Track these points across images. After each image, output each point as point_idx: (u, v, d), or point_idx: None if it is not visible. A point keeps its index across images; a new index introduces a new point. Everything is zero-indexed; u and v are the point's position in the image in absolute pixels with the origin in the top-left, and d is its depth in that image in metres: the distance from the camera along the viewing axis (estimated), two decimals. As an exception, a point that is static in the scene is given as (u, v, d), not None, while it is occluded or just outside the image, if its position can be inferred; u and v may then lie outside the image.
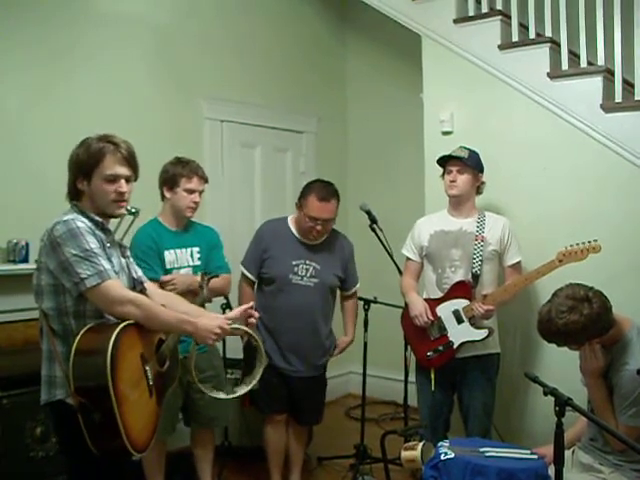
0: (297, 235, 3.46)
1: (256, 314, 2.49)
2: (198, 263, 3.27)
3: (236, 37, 4.66)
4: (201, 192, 3.25)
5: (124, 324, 2.11)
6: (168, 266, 3.18)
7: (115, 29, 3.94)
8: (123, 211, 2.32)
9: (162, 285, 3.07)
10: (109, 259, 2.22)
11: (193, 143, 4.29)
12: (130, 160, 2.27)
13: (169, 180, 3.21)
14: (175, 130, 4.23)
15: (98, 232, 2.23)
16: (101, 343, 2.01)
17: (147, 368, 2.22)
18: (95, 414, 1.98)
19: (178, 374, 2.53)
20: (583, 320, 2.44)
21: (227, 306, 3.47)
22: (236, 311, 2.46)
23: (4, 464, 3.07)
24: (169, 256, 3.20)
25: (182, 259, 3.24)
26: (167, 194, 3.23)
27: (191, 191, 3.19)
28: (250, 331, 2.46)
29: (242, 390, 2.59)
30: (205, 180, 3.28)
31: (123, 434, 1.99)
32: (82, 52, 3.78)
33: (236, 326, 2.37)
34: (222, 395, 2.69)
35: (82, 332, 2.07)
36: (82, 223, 2.17)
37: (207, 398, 3.19)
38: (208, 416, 3.33)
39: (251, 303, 2.56)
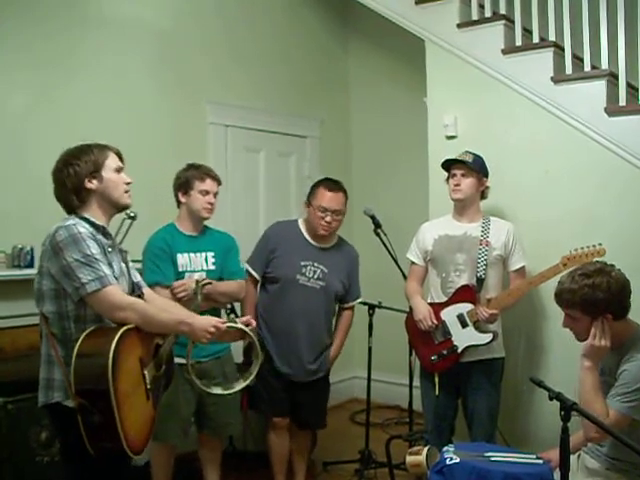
0: (307, 237, 3.47)
1: (254, 322, 2.52)
2: (213, 268, 3.27)
3: (240, 42, 4.67)
4: (215, 194, 3.26)
5: (125, 328, 2.13)
6: (180, 269, 3.19)
7: (118, 33, 3.94)
8: (132, 201, 2.37)
9: (173, 291, 3.08)
10: (110, 264, 2.24)
11: (197, 148, 4.30)
12: (120, 154, 2.38)
13: (183, 185, 3.24)
14: (179, 135, 4.24)
15: (99, 237, 2.24)
16: (103, 346, 2.03)
17: (145, 372, 2.24)
18: (95, 416, 2.00)
19: (173, 378, 2.53)
20: (613, 285, 2.43)
21: (231, 311, 3.47)
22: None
23: (9, 469, 3.07)
24: (181, 259, 3.20)
25: (196, 263, 3.24)
26: (182, 199, 3.25)
27: (205, 192, 3.22)
28: (245, 328, 2.43)
29: (239, 385, 2.58)
30: (218, 182, 3.30)
31: (121, 436, 2.01)
32: (84, 55, 3.79)
33: (231, 324, 2.39)
34: (219, 390, 2.68)
35: (83, 335, 2.09)
36: (84, 228, 2.19)
37: (219, 405, 3.20)
38: (220, 422, 3.32)
39: (249, 317, 2.59)
